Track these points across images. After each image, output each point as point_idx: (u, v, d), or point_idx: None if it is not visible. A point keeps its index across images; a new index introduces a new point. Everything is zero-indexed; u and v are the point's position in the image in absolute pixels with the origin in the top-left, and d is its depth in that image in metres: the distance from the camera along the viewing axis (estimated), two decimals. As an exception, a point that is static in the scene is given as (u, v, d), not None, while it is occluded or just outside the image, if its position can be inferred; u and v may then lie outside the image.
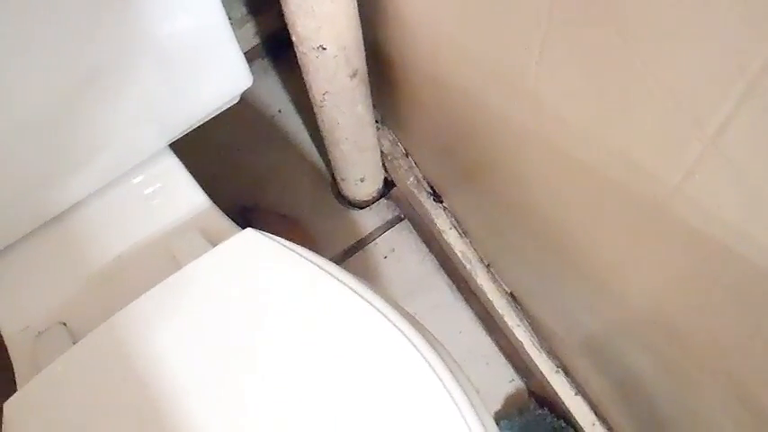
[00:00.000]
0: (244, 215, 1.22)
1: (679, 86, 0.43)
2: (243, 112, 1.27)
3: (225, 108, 0.83)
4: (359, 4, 0.79)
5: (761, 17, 0.34)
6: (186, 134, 0.82)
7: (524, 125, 0.66)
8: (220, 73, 0.77)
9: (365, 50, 0.87)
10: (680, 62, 0.41)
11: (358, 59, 0.86)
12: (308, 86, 0.91)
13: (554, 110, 0.60)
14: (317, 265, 0.73)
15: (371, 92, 0.95)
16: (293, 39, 0.82)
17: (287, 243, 0.75)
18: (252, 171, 1.27)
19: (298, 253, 0.74)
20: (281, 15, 0.79)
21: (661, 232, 0.55)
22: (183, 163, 0.85)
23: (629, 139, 0.51)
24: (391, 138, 1.14)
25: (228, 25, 0.73)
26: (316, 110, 0.97)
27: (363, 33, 0.84)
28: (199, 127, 0.83)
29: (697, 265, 0.53)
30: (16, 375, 0.75)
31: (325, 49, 0.81)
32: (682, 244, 0.53)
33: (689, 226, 0.50)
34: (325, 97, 0.91)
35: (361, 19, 0.82)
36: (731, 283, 0.50)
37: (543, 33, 0.54)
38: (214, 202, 0.85)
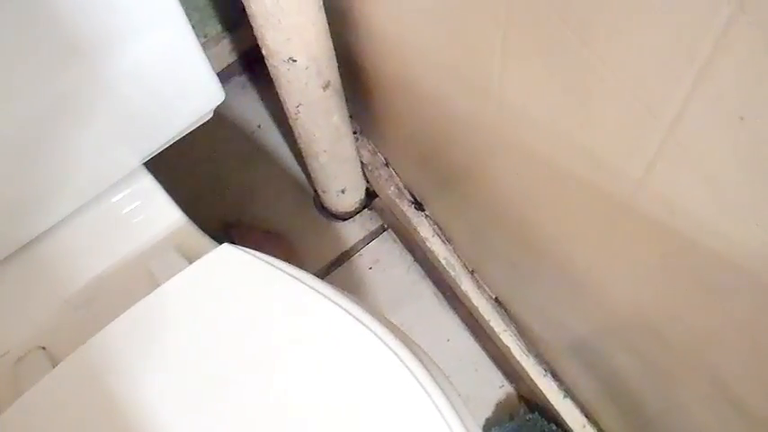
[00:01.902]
0: (227, 232, 1.21)
1: (634, 78, 0.43)
2: (222, 129, 1.28)
3: (199, 124, 0.82)
4: (327, 15, 0.79)
5: (702, 9, 0.34)
6: (168, 152, 0.82)
7: (493, 128, 0.66)
8: (191, 89, 0.77)
9: (338, 62, 0.87)
10: (632, 54, 0.42)
11: (330, 70, 0.86)
12: (281, 100, 0.91)
13: (519, 112, 0.60)
14: (295, 278, 0.72)
15: (348, 103, 0.95)
16: (264, 52, 0.82)
17: (264, 257, 0.74)
18: (233, 187, 1.27)
19: (275, 266, 0.73)
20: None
21: (630, 228, 0.55)
22: (165, 181, 0.85)
23: (593, 136, 0.51)
24: (370, 148, 1.14)
25: (197, 42, 0.73)
26: (291, 123, 0.97)
27: (335, 45, 0.84)
28: (180, 144, 0.82)
29: (666, 258, 0.53)
30: (-4, 402, 0.74)
31: (295, 61, 0.81)
32: (650, 239, 0.53)
33: (655, 220, 0.50)
34: (300, 110, 0.91)
35: (331, 31, 0.82)
36: (699, 273, 0.50)
37: (503, 37, 0.54)
38: (196, 220, 0.84)
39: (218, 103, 0.80)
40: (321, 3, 0.77)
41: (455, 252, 1.08)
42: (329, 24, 0.81)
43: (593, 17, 0.43)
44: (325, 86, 0.87)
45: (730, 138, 0.38)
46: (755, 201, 0.39)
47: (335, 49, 0.85)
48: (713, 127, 0.39)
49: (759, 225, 0.40)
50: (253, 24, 0.78)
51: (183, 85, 0.75)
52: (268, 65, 0.84)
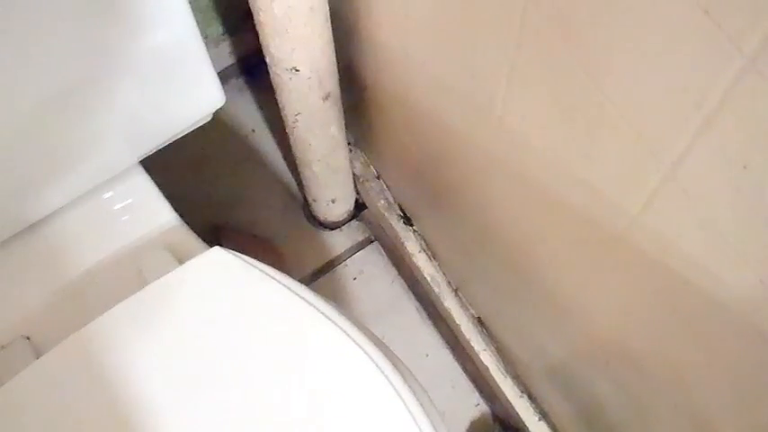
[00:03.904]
0: (214, 234, 1.21)
1: (639, 118, 0.44)
2: (217, 131, 1.28)
3: (197, 126, 0.83)
4: (333, 28, 0.80)
5: (714, 60, 0.35)
6: (159, 151, 0.82)
7: (491, 152, 0.67)
8: (193, 91, 0.77)
9: (338, 73, 0.88)
10: (640, 94, 0.43)
11: (331, 82, 0.87)
12: (280, 107, 0.92)
13: (520, 138, 0.61)
14: (284, 285, 0.73)
15: (344, 114, 0.96)
16: (267, 60, 0.83)
17: (254, 262, 0.75)
18: (224, 190, 1.27)
19: (265, 272, 0.74)
20: (257, 36, 0.80)
21: (621, 262, 0.56)
22: (156, 179, 0.85)
23: (592, 168, 0.52)
24: (363, 160, 1.15)
25: (203, 44, 0.73)
26: (288, 131, 0.97)
27: (337, 56, 0.85)
28: (172, 144, 0.83)
29: (655, 294, 0.54)
30: (-24, 390, 0.74)
31: (298, 70, 0.81)
32: (640, 273, 0.54)
33: (647, 256, 0.51)
34: (298, 118, 0.91)
35: (334, 42, 0.82)
36: (687, 312, 0.51)
37: (511, 64, 0.55)
38: (185, 220, 0.85)
39: (219, 107, 0.80)
40: (328, 16, 0.78)
41: (440, 269, 1.08)
42: (333, 36, 0.81)
43: (604, 55, 0.44)
44: (326, 98, 0.88)
45: (732, 184, 0.39)
46: (752, 247, 0.40)
47: (337, 61, 0.86)
48: (715, 172, 0.40)
49: (753, 270, 0.41)
50: (259, 31, 0.78)
51: (186, 85, 0.76)
52: (270, 72, 0.85)
